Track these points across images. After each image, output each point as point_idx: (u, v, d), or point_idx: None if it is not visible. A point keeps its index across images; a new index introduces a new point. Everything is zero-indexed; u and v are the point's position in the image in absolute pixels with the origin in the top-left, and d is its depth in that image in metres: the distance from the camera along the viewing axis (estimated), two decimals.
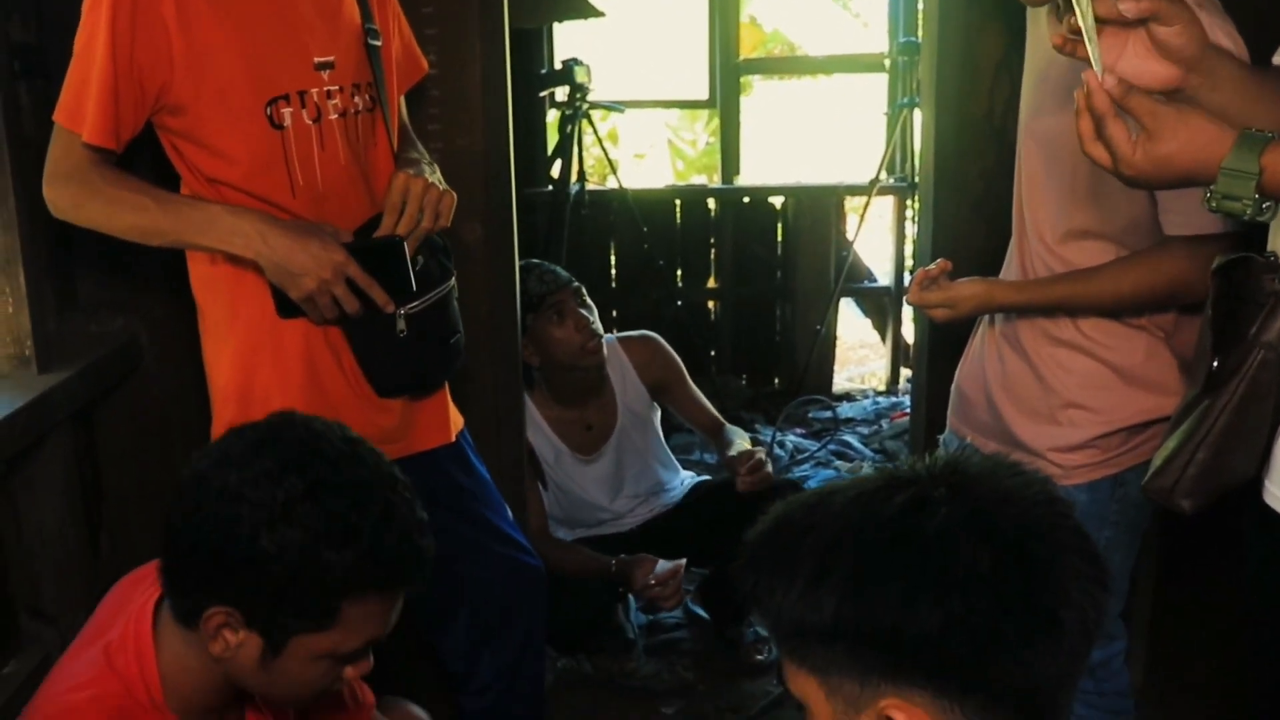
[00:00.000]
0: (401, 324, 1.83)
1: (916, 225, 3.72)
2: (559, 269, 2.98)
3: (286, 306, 1.79)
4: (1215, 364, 1.45)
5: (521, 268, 2.88)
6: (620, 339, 3.12)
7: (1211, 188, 1.21)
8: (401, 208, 1.81)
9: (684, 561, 2.81)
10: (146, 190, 1.74)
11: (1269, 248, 1.44)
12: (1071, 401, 1.85)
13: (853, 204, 5.06)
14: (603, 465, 3.06)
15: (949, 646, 0.90)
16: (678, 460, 3.30)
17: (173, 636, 1.36)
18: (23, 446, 1.84)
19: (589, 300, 2.96)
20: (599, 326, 2.94)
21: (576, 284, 2.94)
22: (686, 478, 3.23)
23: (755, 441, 3.22)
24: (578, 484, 3.04)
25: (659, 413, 3.21)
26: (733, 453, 2.93)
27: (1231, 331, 1.44)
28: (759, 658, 2.96)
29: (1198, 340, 1.53)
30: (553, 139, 4.73)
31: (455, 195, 1.88)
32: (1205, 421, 1.46)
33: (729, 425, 3.13)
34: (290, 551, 1.26)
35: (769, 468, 2.86)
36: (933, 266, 1.92)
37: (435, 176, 1.88)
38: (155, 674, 1.34)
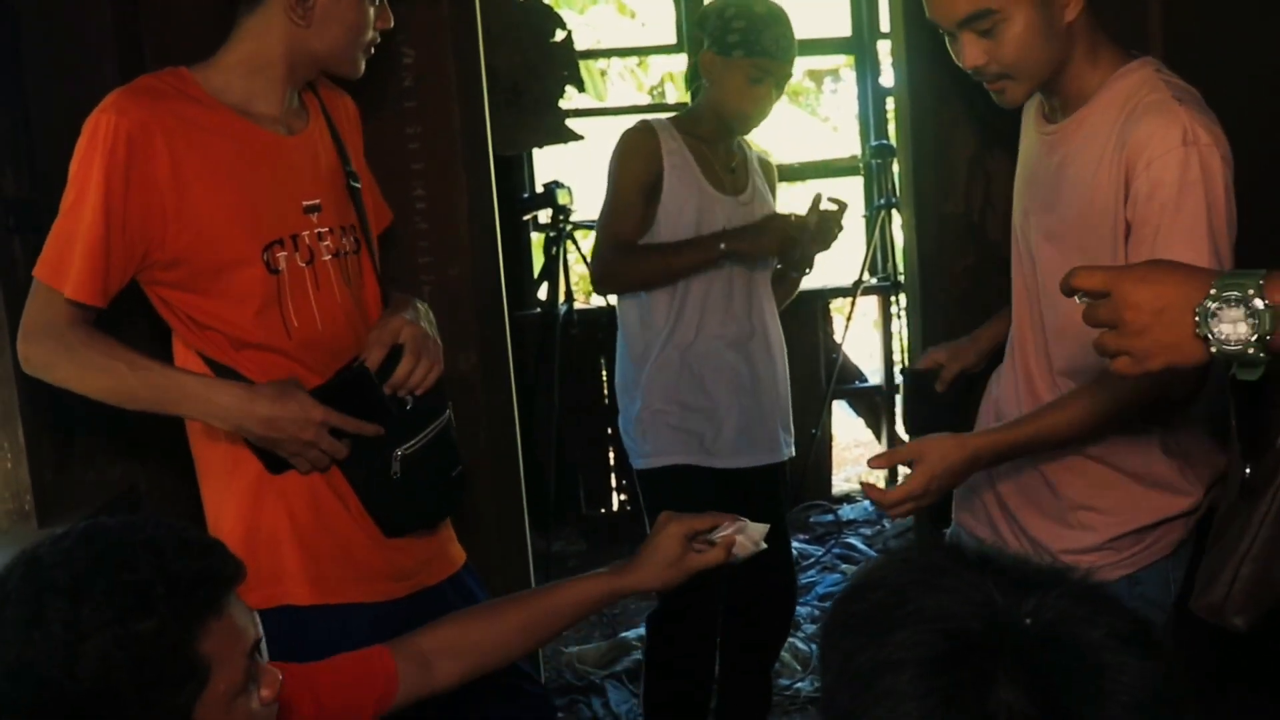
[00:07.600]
0: (396, 466, 1.81)
1: (906, 325, 3.75)
2: (788, 40, 2.53)
3: (276, 464, 1.78)
4: (1247, 472, 1.43)
5: (762, 15, 2.51)
6: None
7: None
8: (400, 351, 1.80)
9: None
10: (122, 355, 1.70)
11: None
12: (1082, 504, 1.81)
13: (837, 305, 5.10)
14: (747, 209, 2.73)
15: None
16: None
17: None
18: None
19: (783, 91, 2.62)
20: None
21: (792, 71, 2.59)
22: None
23: None
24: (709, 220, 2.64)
25: None
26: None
27: (1257, 438, 1.43)
28: None
29: (1229, 450, 1.51)
30: (538, 261, 4.78)
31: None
32: (1247, 533, 1.43)
33: None
34: (114, 653, 1.13)
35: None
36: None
37: (426, 321, 1.89)
38: None
